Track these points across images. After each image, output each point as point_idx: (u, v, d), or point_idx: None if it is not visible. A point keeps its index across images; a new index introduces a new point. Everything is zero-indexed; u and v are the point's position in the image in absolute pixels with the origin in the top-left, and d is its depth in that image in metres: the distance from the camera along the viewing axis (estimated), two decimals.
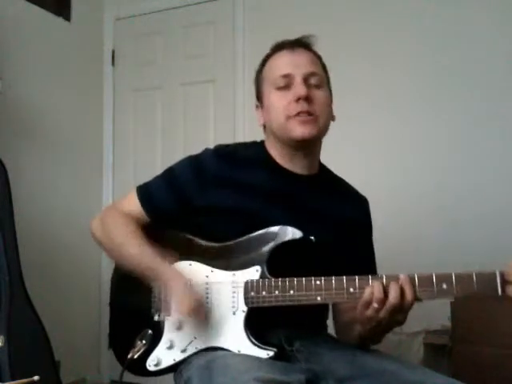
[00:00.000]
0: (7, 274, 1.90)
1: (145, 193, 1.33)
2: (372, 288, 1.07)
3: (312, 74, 1.29)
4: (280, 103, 1.28)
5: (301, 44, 1.33)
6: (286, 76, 1.28)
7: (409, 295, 1.06)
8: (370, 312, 1.08)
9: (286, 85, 1.28)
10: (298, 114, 1.25)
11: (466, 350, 1.88)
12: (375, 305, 1.06)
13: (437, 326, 2.16)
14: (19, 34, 2.63)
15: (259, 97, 1.37)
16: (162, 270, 1.21)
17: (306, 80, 1.27)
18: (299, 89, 1.26)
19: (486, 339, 1.84)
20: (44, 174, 2.74)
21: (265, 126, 1.36)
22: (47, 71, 2.81)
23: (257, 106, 1.39)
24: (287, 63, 1.30)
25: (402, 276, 1.08)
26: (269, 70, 1.33)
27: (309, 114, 1.26)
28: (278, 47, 1.34)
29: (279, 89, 1.28)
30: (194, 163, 1.32)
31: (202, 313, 1.16)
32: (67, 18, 2.94)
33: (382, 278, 1.09)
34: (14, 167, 2.15)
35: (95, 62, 3.16)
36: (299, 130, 1.25)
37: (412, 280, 1.08)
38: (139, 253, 1.23)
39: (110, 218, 1.34)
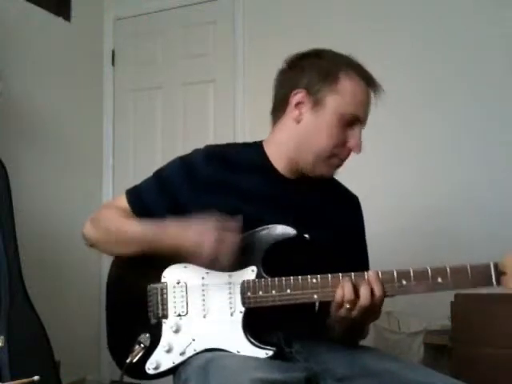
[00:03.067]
0: (7, 274, 1.90)
1: (134, 196, 1.32)
2: (342, 289, 1.08)
3: (364, 125, 1.27)
4: (335, 140, 1.23)
5: (378, 92, 1.28)
6: (356, 117, 1.23)
7: (377, 292, 1.08)
8: (342, 312, 1.10)
9: (350, 123, 1.23)
10: (342, 159, 1.25)
11: (466, 350, 1.88)
12: (347, 305, 1.08)
13: (437, 326, 2.16)
14: (19, 34, 2.63)
15: (314, 95, 1.23)
16: (166, 229, 1.19)
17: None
18: (359, 144, 1.24)
19: (486, 339, 1.83)
20: (44, 174, 2.74)
21: (297, 122, 1.26)
22: (47, 71, 2.81)
23: (298, 93, 1.24)
24: (364, 105, 1.25)
25: (370, 273, 1.09)
26: (347, 93, 1.23)
27: (344, 161, 1.27)
28: (362, 74, 1.26)
29: (343, 122, 1.22)
30: (185, 165, 1.30)
31: (227, 235, 1.13)
32: (67, 18, 2.94)
33: (377, 272, 1.10)
34: (13, 167, 2.14)
35: (95, 62, 3.16)
36: (329, 172, 1.27)
37: (379, 277, 1.09)
38: (136, 227, 1.23)
39: (102, 212, 1.34)
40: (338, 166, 1.27)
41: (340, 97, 1.22)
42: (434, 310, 2.03)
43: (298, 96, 1.25)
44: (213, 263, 1.15)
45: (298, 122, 1.26)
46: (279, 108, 1.30)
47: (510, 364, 1.75)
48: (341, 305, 1.09)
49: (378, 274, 1.10)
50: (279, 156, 1.30)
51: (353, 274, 1.11)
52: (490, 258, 1.06)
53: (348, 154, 1.26)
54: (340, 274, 1.11)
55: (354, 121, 1.23)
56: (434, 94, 2.43)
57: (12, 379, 1.73)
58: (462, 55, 2.38)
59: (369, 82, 1.26)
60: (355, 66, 1.27)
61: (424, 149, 2.43)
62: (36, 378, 1.69)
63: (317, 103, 1.23)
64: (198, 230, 1.14)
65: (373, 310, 1.10)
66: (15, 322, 1.86)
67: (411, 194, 2.40)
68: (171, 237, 1.18)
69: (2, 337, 1.80)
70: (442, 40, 2.43)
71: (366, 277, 1.09)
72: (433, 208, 2.36)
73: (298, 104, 1.25)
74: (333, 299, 1.11)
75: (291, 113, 1.26)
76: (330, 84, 1.23)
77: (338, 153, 1.24)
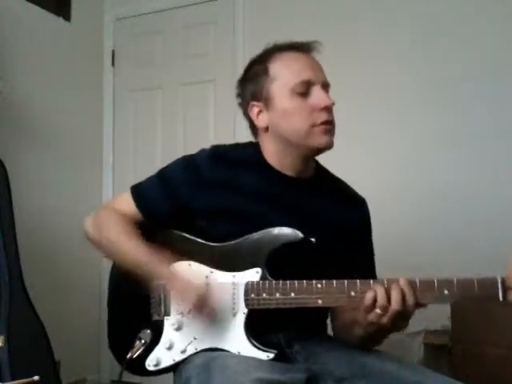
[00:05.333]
0: (7, 274, 1.90)
1: (139, 194, 1.32)
2: (374, 293, 1.06)
3: (327, 84, 1.27)
4: (303, 111, 1.22)
5: (312, 49, 1.29)
6: (307, 82, 1.23)
7: (410, 300, 1.05)
8: (372, 317, 1.07)
9: (305, 91, 1.23)
10: (323, 122, 1.23)
11: (466, 350, 1.88)
12: (378, 311, 1.05)
13: (437, 326, 2.16)
14: (19, 34, 2.63)
15: (260, 96, 1.27)
16: (158, 267, 1.20)
17: (323, 88, 1.25)
18: (325, 98, 1.23)
19: (485, 339, 1.83)
20: (44, 174, 2.74)
21: (266, 130, 1.29)
22: (47, 71, 2.81)
23: (252, 106, 1.29)
24: (306, 67, 1.25)
25: (402, 281, 1.07)
26: (283, 71, 1.25)
27: (331, 123, 1.25)
28: (290, 47, 1.28)
29: (298, 94, 1.23)
30: (189, 164, 1.30)
31: (207, 304, 1.15)
32: (67, 18, 2.94)
33: (383, 282, 1.08)
34: (13, 167, 2.15)
35: (95, 62, 3.16)
36: (324, 140, 1.23)
37: (413, 284, 1.07)
38: (135, 250, 1.22)
39: (105, 217, 1.32)
40: (329, 131, 1.24)
41: (278, 79, 1.25)
42: (434, 310, 2.02)
43: (252, 109, 1.29)
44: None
45: (267, 129, 1.29)
46: (252, 129, 1.35)
47: (510, 364, 1.75)
48: (371, 309, 1.06)
49: (382, 280, 1.08)
50: (277, 160, 1.30)
51: (358, 281, 1.10)
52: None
53: (326, 115, 1.23)
54: (345, 281, 1.11)
55: (306, 86, 1.23)
56: (433, 94, 2.43)
57: (12, 379, 1.74)
58: (463, 53, 2.38)
59: (298, 47, 1.28)
60: (279, 47, 1.29)
61: (424, 149, 2.43)
62: (36, 378, 1.70)
63: (267, 101, 1.26)
64: (183, 287, 1.17)
65: (403, 317, 1.06)
66: (15, 322, 1.86)
67: (411, 194, 2.40)
68: (160, 277, 1.20)
69: (2, 337, 1.81)
70: (443, 38, 2.42)
71: (399, 282, 1.07)
72: (433, 210, 2.36)
73: (257, 115, 1.29)
74: (362, 302, 1.08)
75: (258, 126, 1.30)
76: (265, 77, 1.26)
77: (317, 118, 1.23)
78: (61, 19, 2.90)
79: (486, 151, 2.32)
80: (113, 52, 3.20)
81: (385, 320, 1.06)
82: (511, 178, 2.26)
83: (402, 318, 1.06)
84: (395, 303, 1.04)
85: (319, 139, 1.23)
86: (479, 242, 2.20)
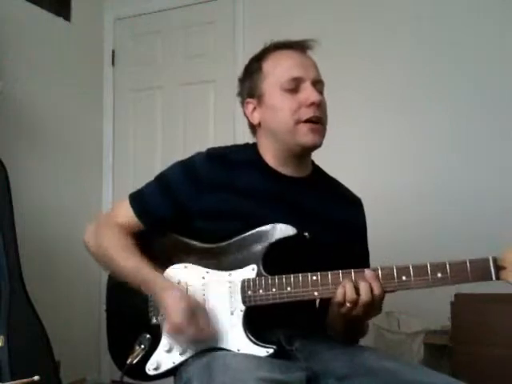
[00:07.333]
0: (7, 274, 1.90)
1: (138, 200, 1.32)
2: (344, 289, 1.09)
3: (319, 81, 1.28)
4: (289, 106, 1.24)
5: (307, 47, 1.31)
6: (296, 79, 1.25)
7: (377, 290, 1.09)
8: (344, 310, 1.11)
9: (295, 88, 1.25)
10: (309, 119, 1.24)
11: (466, 350, 1.88)
12: (348, 304, 1.09)
13: (437, 326, 2.16)
14: (19, 34, 2.63)
15: (254, 93, 1.30)
16: (156, 283, 1.19)
17: (314, 85, 1.26)
18: (312, 94, 1.24)
19: (486, 339, 1.84)
20: (44, 174, 2.74)
21: (259, 126, 1.32)
22: (47, 71, 2.81)
23: (247, 103, 1.33)
24: (297, 65, 1.27)
25: (367, 272, 1.10)
26: (274, 69, 1.28)
27: (318, 120, 1.25)
28: (284, 45, 1.31)
29: (287, 91, 1.25)
30: (187, 167, 1.30)
31: (196, 323, 1.13)
32: (67, 18, 2.94)
33: (358, 275, 1.11)
34: (13, 167, 2.15)
35: (95, 62, 3.16)
36: (309, 138, 1.24)
37: (377, 275, 1.10)
38: (133, 266, 1.22)
39: (104, 232, 1.31)
40: (314, 128, 1.25)
41: (269, 76, 1.28)
42: (434, 310, 2.03)
43: (248, 106, 1.33)
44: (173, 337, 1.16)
45: (260, 124, 1.31)
46: (250, 127, 1.37)
47: (510, 364, 1.75)
48: (342, 303, 1.10)
49: (376, 271, 1.11)
50: (273, 158, 1.31)
51: (353, 270, 1.11)
52: (489, 254, 1.07)
53: (313, 112, 1.24)
54: (340, 271, 1.12)
55: (296, 83, 1.25)
56: (433, 94, 2.43)
57: (12, 379, 1.74)
58: (463, 53, 2.38)
59: (292, 46, 1.30)
60: (274, 46, 1.32)
61: (424, 149, 2.43)
62: (36, 378, 1.69)
63: (260, 98, 1.30)
64: (172, 304, 1.14)
65: (373, 306, 1.11)
66: (15, 322, 1.86)
67: (411, 191, 2.40)
68: (152, 292, 1.20)
69: (1, 337, 1.81)
70: (443, 38, 2.43)
71: (365, 274, 1.10)
72: (433, 206, 2.36)
73: (252, 112, 1.32)
74: (333, 297, 1.11)
75: (252, 122, 1.33)
76: (258, 75, 1.30)
77: (303, 115, 1.24)
78: (61, 19, 2.91)
79: (487, 151, 2.32)
80: (113, 52, 3.21)
81: (355, 312, 1.10)
82: (511, 178, 2.26)
83: (371, 307, 1.10)
84: (364, 295, 1.08)
85: (304, 137, 1.24)
86: (479, 241, 2.19)
